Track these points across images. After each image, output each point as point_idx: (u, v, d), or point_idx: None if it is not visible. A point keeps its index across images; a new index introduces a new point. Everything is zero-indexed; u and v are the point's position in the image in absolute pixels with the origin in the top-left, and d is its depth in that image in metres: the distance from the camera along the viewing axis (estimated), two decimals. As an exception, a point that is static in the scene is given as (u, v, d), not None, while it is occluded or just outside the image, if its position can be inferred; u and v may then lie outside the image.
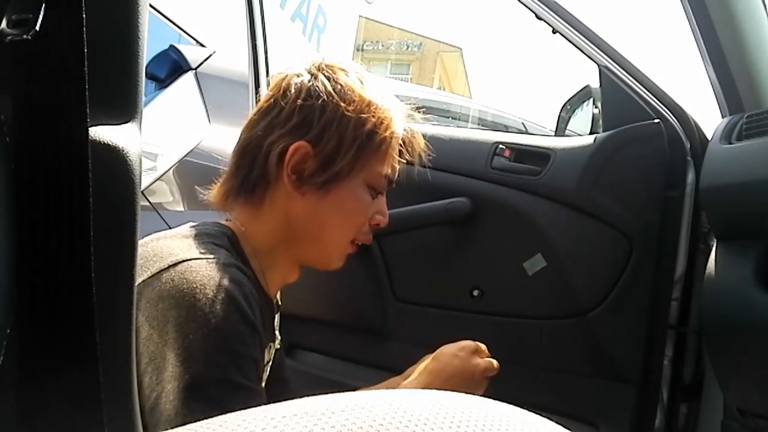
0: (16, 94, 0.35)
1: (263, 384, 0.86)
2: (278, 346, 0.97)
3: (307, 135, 0.80)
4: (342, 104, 0.80)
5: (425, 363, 0.96)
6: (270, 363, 0.91)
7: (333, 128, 0.80)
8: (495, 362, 0.95)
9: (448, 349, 0.94)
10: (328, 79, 0.82)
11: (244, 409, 0.47)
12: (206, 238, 0.78)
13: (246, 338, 0.69)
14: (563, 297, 1.37)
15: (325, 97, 0.80)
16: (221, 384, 0.65)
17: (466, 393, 0.43)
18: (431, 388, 0.42)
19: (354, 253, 0.94)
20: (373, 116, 0.82)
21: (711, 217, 1.21)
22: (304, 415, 0.36)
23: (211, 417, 0.35)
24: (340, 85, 0.82)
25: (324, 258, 0.90)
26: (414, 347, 1.13)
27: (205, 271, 0.69)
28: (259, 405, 0.48)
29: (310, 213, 0.84)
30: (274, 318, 0.92)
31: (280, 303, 0.98)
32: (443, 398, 0.41)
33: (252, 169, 0.84)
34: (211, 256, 0.73)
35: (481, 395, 0.44)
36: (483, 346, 0.97)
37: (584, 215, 1.34)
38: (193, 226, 0.82)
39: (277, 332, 0.95)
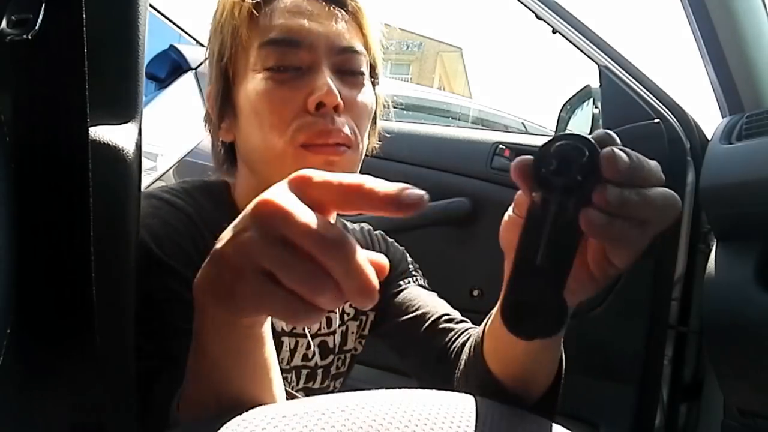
0: (16, 94, 0.35)
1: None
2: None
3: None
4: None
5: None
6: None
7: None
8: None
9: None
10: None
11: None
12: (184, 184, 0.71)
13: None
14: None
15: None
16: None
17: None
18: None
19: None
20: (218, 8, 0.68)
21: (711, 217, 1.21)
22: (305, 415, 0.36)
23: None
24: None
25: (275, 174, 0.58)
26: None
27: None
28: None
29: (242, 142, 0.69)
30: None
31: None
32: (444, 398, 0.41)
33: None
34: (152, 196, 0.66)
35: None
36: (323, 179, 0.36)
37: (584, 215, 1.34)
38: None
39: None
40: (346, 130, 0.64)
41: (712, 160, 1.18)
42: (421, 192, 0.31)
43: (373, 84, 0.72)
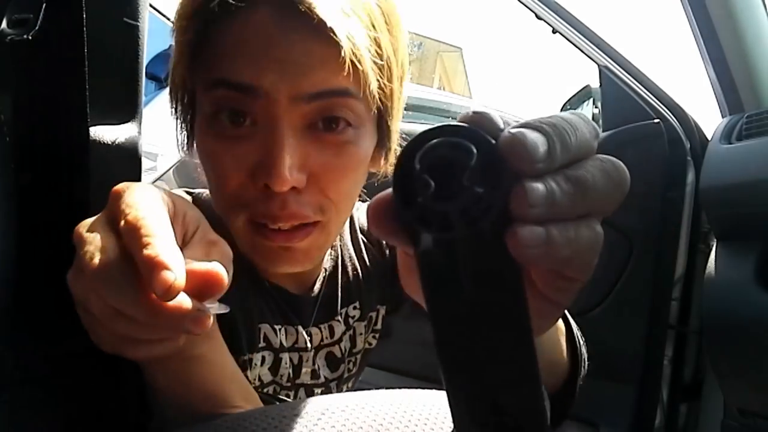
0: (16, 94, 0.35)
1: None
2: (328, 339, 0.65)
3: None
4: None
5: None
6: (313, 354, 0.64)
7: None
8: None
9: None
10: None
11: None
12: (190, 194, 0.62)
13: None
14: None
15: None
16: None
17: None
18: None
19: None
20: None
21: (711, 217, 1.21)
22: (305, 415, 0.36)
23: None
24: None
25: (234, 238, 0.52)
26: (415, 347, 1.13)
27: None
28: None
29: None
30: (286, 308, 0.61)
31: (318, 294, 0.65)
32: (444, 398, 0.41)
33: None
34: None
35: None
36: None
37: (584, 215, 1.34)
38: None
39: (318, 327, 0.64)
40: (306, 211, 0.49)
41: (712, 160, 1.18)
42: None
43: (381, 133, 0.55)
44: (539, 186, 0.21)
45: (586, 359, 0.46)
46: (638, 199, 1.31)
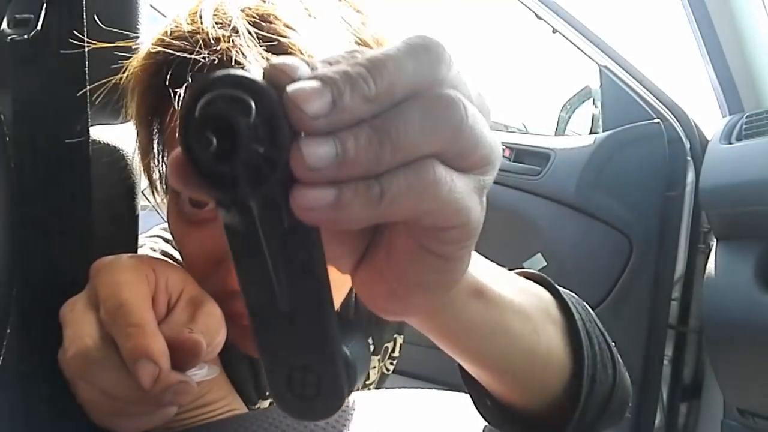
0: (16, 93, 0.35)
1: None
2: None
3: None
4: None
5: None
6: None
7: None
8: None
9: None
10: None
11: None
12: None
13: None
14: (563, 297, 1.37)
15: None
16: None
17: None
18: None
19: None
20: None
21: (711, 217, 1.21)
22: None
23: None
24: None
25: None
26: (416, 347, 1.13)
27: None
28: None
29: None
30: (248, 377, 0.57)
31: None
32: (444, 398, 0.41)
33: None
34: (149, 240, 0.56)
35: None
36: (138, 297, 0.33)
37: (584, 215, 1.34)
38: None
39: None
40: None
41: (712, 160, 1.18)
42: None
43: None
44: (320, 146, 0.18)
45: (604, 360, 0.40)
46: (638, 199, 1.32)
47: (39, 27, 0.35)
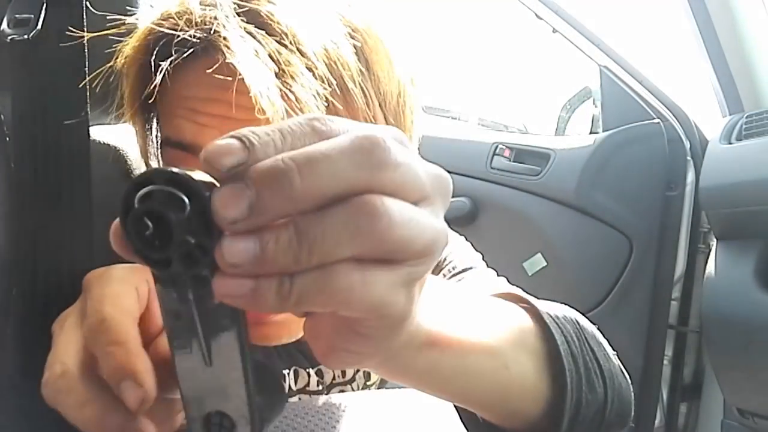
0: (16, 93, 0.35)
1: None
2: None
3: None
4: None
5: None
6: None
7: None
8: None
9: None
10: None
11: None
12: None
13: None
14: (563, 297, 1.36)
15: None
16: None
17: None
18: None
19: None
20: None
21: (711, 217, 1.21)
22: (305, 415, 0.36)
23: None
24: None
25: None
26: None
27: None
28: None
29: None
30: (295, 351, 0.62)
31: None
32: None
33: None
34: None
35: None
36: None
37: (584, 215, 1.34)
38: None
39: None
40: None
41: (712, 160, 1.18)
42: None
43: None
44: (240, 244, 0.20)
45: (591, 380, 0.39)
46: (638, 199, 1.32)
47: (39, 27, 0.35)
